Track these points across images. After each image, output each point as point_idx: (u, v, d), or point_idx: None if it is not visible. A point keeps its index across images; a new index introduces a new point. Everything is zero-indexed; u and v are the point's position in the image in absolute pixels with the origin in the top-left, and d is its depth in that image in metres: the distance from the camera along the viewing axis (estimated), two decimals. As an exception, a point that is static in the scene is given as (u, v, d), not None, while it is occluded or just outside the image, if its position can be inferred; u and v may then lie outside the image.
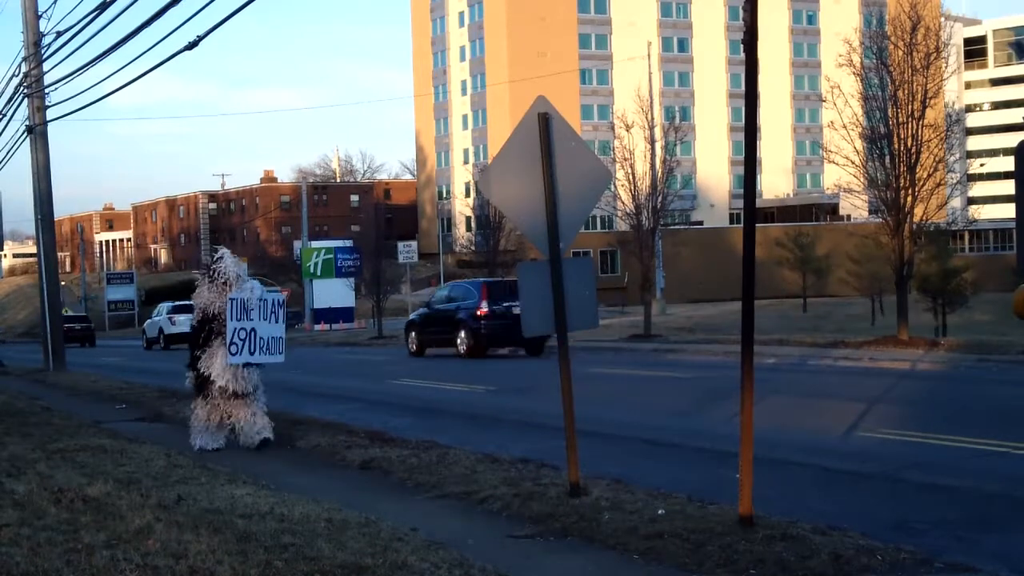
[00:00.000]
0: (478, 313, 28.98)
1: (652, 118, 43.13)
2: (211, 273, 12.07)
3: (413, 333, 32.24)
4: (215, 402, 12.03)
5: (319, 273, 63.92)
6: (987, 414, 14.34)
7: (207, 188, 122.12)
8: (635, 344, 33.12)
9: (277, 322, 12.22)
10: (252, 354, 11.89)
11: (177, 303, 47.58)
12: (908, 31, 27.24)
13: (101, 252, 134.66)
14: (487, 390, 19.65)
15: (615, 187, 36.26)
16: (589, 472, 8.76)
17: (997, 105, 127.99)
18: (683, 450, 11.71)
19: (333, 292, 63.10)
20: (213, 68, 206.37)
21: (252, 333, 11.81)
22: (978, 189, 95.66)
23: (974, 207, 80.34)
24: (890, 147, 27.28)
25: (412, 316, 34.27)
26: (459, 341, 29.36)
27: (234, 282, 11.98)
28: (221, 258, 12.23)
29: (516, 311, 25.50)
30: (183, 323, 40.37)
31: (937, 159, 27.97)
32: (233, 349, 11.69)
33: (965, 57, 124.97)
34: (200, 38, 16.42)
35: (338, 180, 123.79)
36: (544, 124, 8.32)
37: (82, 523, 7.26)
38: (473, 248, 49.58)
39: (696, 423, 13.98)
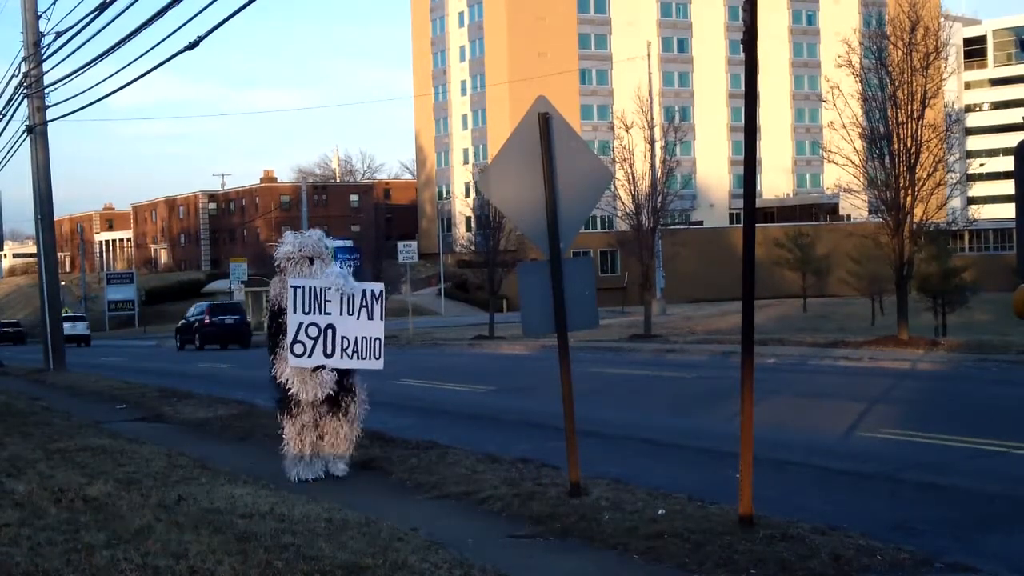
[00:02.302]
0: (204, 322, 45.21)
1: (652, 118, 43.16)
2: (277, 264, 9.90)
3: (177, 335, 48.14)
4: (303, 419, 9.85)
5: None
6: (987, 414, 14.34)
7: (207, 188, 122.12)
8: (635, 344, 33.13)
9: (371, 319, 9.79)
10: (329, 356, 9.58)
11: (214, 303, 50.43)
12: (907, 31, 27.25)
13: (101, 252, 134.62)
14: (488, 390, 19.66)
15: (615, 187, 36.27)
16: (589, 472, 8.76)
17: (997, 105, 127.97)
18: (683, 450, 11.71)
19: (333, 292, 63.03)
20: (213, 68, 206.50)
21: (329, 331, 9.55)
22: (978, 189, 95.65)
23: (974, 207, 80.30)
24: (890, 147, 27.29)
25: (177, 324, 49.48)
26: (196, 339, 45.18)
27: (297, 266, 9.76)
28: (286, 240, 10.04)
29: (227, 322, 44.62)
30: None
31: (937, 159, 27.99)
32: (298, 348, 9.51)
33: (965, 57, 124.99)
34: (200, 38, 16.43)
35: (338, 180, 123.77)
36: (544, 124, 8.32)
37: (82, 523, 7.26)
38: (473, 248, 49.50)
39: (696, 423, 13.98)
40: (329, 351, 9.55)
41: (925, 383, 19.19)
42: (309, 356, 9.50)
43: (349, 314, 9.64)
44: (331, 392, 9.69)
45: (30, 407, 17.09)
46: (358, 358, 9.70)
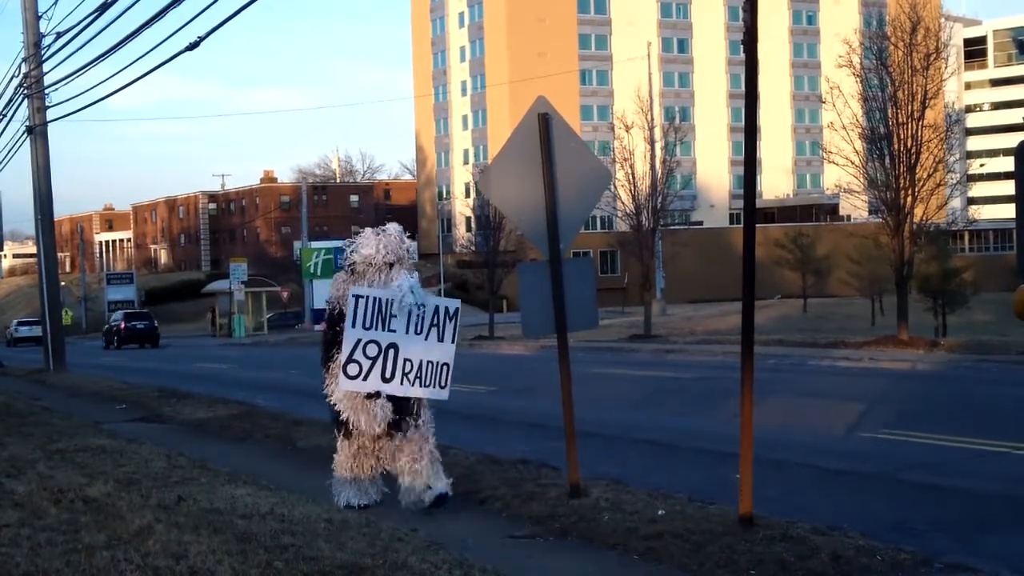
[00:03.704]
0: (121, 327, 56.18)
1: (652, 118, 43.19)
2: (351, 265, 8.34)
3: (104, 337, 59.04)
4: (362, 440, 8.39)
5: (319, 273, 63.92)
6: (987, 414, 14.34)
7: (207, 188, 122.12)
8: (635, 344, 33.13)
9: (441, 340, 8.31)
10: (387, 380, 8.10)
11: (128, 311, 62.99)
12: (908, 32, 27.27)
13: (101, 252, 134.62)
14: (487, 390, 19.65)
15: (615, 187, 36.28)
16: (589, 473, 8.75)
17: (997, 105, 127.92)
18: (683, 451, 11.71)
19: (333, 292, 63.10)
20: (213, 68, 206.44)
21: (391, 351, 8.07)
22: (978, 189, 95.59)
23: (974, 207, 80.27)
24: (890, 147, 27.30)
25: (104, 328, 61.12)
26: (115, 340, 55.66)
27: (377, 272, 8.19)
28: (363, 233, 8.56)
29: (139, 326, 56.04)
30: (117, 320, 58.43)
31: (937, 159, 28.01)
32: (352, 369, 8.03)
33: (965, 57, 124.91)
34: (201, 39, 16.43)
35: (338, 180, 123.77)
36: (544, 124, 8.32)
37: (82, 523, 7.26)
38: (473, 248, 49.58)
39: (696, 424, 13.98)
40: (388, 374, 8.09)
41: (925, 383, 19.19)
42: (364, 379, 8.04)
43: (416, 333, 8.19)
44: (389, 421, 8.21)
45: (30, 407, 17.09)
46: (420, 385, 8.21)
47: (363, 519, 7.53)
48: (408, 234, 8.60)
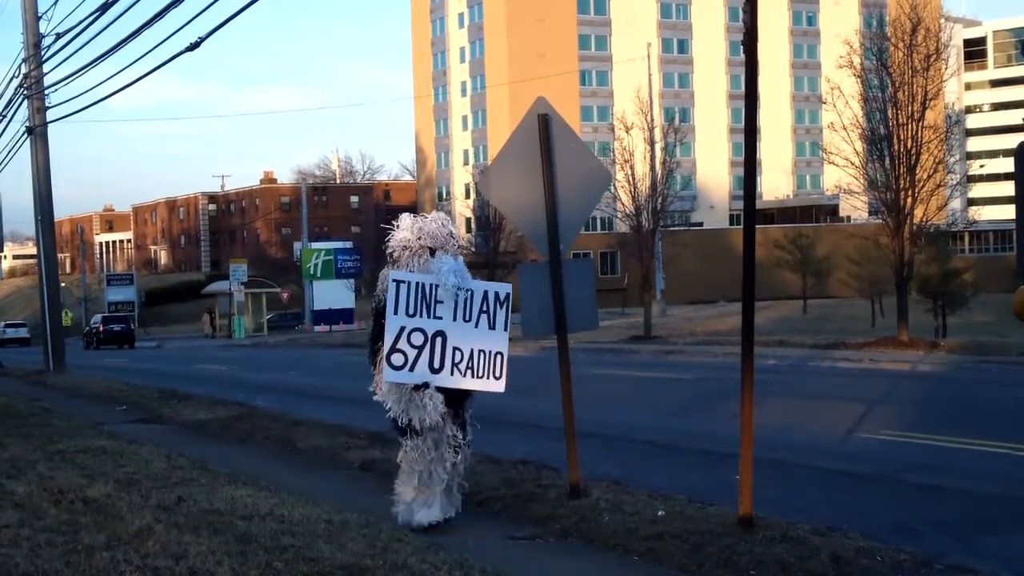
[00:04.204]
0: (99, 329, 61.52)
1: (652, 119, 43.19)
2: (390, 253, 7.83)
3: (84, 338, 64.07)
4: (427, 445, 7.68)
5: (319, 274, 63.99)
6: (987, 415, 14.34)
7: (207, 189, 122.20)
8: (635, 345, 33.13)
9: (492, 327, 7.76)
10: (436, 371, 7.52)
11: (107, 315, 68.83)
12: (908, 32, 27.27)
13: (101, 253, 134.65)
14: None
15: (615, 188, 36.30)
16: (589, 473, 8.75)
17: (997, 106, 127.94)
18: (683, 451, 11.71)
19: (333, 293, 63.21)
20: (213, 69, 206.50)
21: (438, 339, 7.54)
22: (978, 190, 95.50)
23: (974, 208, 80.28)
24: (890, 148, 27.31)
25: (85, 330, 66.65)
26: (95, 341, 60.38)
27: (415, 257, 7.67)
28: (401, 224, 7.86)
29: (116, 328, 61.62)
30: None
31: (937, 160, 28.01)
32: (397, 359, 7.45)
33: (965, 58, 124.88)
34: (201, 39, 16.42)
35: (338, 181, 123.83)
36: (544, 125, 8.32)
37: (82, 524, 7.26)
38: (473, 249, 49.62)
39: (696, 424, 13.98)
40: (437, 365, 7.50)
41: (925, 384, 19.19)
42: (411, 370, 7.46)
43: (465, 320, 7.62)
44: (440, 419, 7.59)
45: (30, 408, 17.09)
46: (473, 376, 7.64)
47: (363, 520, 7.52)
48: (451, 222, 7.99)
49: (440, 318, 7.53)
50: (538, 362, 27.01)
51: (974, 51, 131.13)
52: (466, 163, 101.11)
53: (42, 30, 27.95)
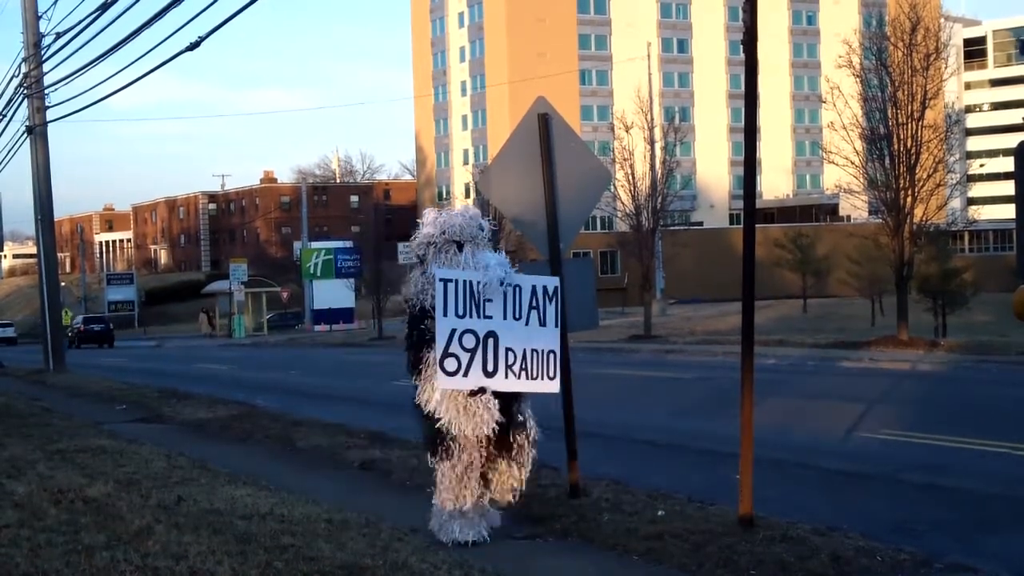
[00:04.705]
0: (81, 329, 63.67)
1: (652, 119, 43.21)
2: (417, 253, 7.36)
3: (67, 338, 63.38)
4: (465, 459, 7.10)
5: (319, 274, 63.98)
6: (987, 415, 14.34)
7: (207, 189, 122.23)
8: (635, 345, 33.13)
9: (543, 324, 7.26)
10: (490, 375, 7.03)
11: (88, 315, 71.75)
12: (908, 32, 27.28)
13: (101, 253, 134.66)
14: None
15: (615, 188, 36.29)
16: (589, 473, 8.75)
17: (997, 106, 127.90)
18: (683, 451, 11.71)
19: (333, 293, 63.21)
20: (213, 68, 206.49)
21: (490, 340, 7.04)
22: (978, 190, 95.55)
23: (974, 208, 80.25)
24: (890, 148, 27.31)
25: (67, 330, 65.40)
26: (76, 341, 60.89)
27: (440, 253, 7.17)
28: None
29: (96, 328, 64.06)
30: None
31: (937, 160, 28.02)
32: (450, 364, 6.93)
33: (965, 58, 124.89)
34: (201, 39, 16.41)
35: (338, 181, 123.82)
36: (544, 125, 8.32)
37: (82, 524, 7.26)
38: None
39: (696, 424, 13.98)
40: (490, 368, 7.02)
41: (925, 384, 19.19)
42: (465, 375, 6.95)
43: (515, 318, 7.14)
44: (496, 426, 7.07)
45: (30, 408, 17.09)
46: (527, 378, 7.16)
47: (363, 519, 7.53)
48: (487, 217, 7.53)
49: (490, 317, 7.07)
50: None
51: (974, 50, 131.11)
52: (466, 163, 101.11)
53: (42, 29, 27.94)
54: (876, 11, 56.53)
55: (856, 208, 34.93)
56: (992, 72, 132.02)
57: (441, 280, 6.93)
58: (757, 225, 7.73)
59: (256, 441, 13.08)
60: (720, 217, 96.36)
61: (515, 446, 7.22)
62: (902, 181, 26.90)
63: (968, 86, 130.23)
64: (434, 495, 7.27)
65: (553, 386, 7.31)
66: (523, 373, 7.14)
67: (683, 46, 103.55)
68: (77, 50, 54.65)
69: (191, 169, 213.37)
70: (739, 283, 7.21)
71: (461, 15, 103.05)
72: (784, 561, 6.34)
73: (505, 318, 7.11)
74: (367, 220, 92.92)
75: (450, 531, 7.15)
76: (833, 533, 6.93)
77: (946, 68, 30.21)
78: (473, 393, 7.00)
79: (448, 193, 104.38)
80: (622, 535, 7.13)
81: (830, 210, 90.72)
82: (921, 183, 27.06)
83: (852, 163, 27.91)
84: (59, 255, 50.21)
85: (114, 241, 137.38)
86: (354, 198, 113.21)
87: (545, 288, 7.30)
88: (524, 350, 7.14)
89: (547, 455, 10.37)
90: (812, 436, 12.42)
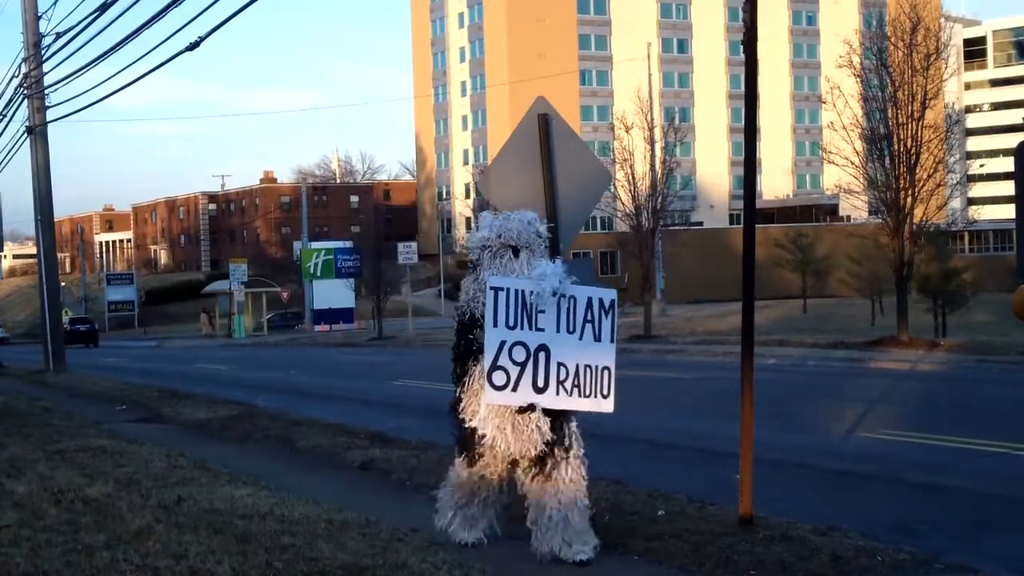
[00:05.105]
0: (67, 329, 55.03)
1: (652, 119, 43.20)
2: (471, 257, 7.04)
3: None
4: (486, 467, 6.91)
5: (319, 274, 63.97)
6: (987, 415, 14.34)
7: (207, 189, 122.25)
8: (635, 345, 33.11)
9: (598, 339, 6.76)
10: (541, 391, 6.61)
11: (73, 316, 70.62)
12: (908, 32, 27.29)
13: (101, 253, 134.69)
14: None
15: (615, 188, 36.30)
16: (589, 473, 8.73)
17: (997, 106, 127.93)
18: (683, 451, 11.71)
19: (333, 293, 63.22)
20: (213, 68, 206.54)
21: (541, 354, 6.63)
22: (978, 190, 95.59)
23: (974, 208, 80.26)
24: (890, 148, 27.32)
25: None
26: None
27: (496, 259, 6.80)
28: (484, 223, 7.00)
29: (81, 329, 64.26)
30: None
31: (937, 160, 28.03)
32: (498, 378, 6.55)
33: (965, 58, 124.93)
34: (201, 39, 16.41)
35: (338, 181, 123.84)
36: (544, 125, 8.32)
37: (82, 524, 7.26)
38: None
39: (696, 424, 13.98)
40: (541, 384, 6.60)
41: (925, 384, 19.19)
42: (514, 390, 6.55)
43: (569, 332, 6.69)
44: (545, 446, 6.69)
45: (30, 408, 17.10)
46: (580, 395, 6.70)
47: (363, 519, 7.53)
48: (544, 222, 7.12)
49: (542, 330, 6.62)
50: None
51: (974, 51, 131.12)
52: (466, 163, 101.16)
53: (42, 29, 27.96)
54: (876, 11, 56.49)
55: (856, 208, 34.95)
56: (992, 72, 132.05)
57: (492, 288, 6.56)
58: (757, 225, 7.74)
59: (256, 441, 13.09)
60: (720, 217, 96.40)
61: (550, 462, 6.76)
62: (902, 181, 26.91)
63: (968, 86, 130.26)
64: (444, 483, 7.12)
65: (607, 405, 6.80)
66: (575, 390, 6.68)
67: (683, 46, 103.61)
68: (77, 50, 54.72)
69: (191, 169, 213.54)
70: (739, 283, 7.21)
71: (461, 15, 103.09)
72: (784, 561, 6.34)
73: (558, 331, 6.68)
74: (367, 220, 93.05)
75: (450, 523, 7.06)
76: (833, 533, 6.93)
77: (946, 68, 30.23)
78: (522, 410, 6.59)
79: (448, 193, 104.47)
80: (622, 535, 7.13)
81: (830, 210, 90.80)
82: (921, 183, 27.07)
83: (852, 163, 27.92)
84: (59, 255, 50.43)
85: (114, 241, 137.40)
86: (354, 198, 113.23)
87: (601, 301, 6.81)
88: (577, 365, 6.69)
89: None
90: (812, 436, 12.43)
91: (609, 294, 6.89)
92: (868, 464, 10.31)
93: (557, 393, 6.63)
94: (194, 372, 30.27)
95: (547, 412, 6.64)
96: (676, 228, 49.58)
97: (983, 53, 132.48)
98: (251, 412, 15.60)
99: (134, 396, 19.45)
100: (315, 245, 67.69)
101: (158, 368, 33.10)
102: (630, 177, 36.53)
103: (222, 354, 42.79)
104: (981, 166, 66.83)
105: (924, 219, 28.12)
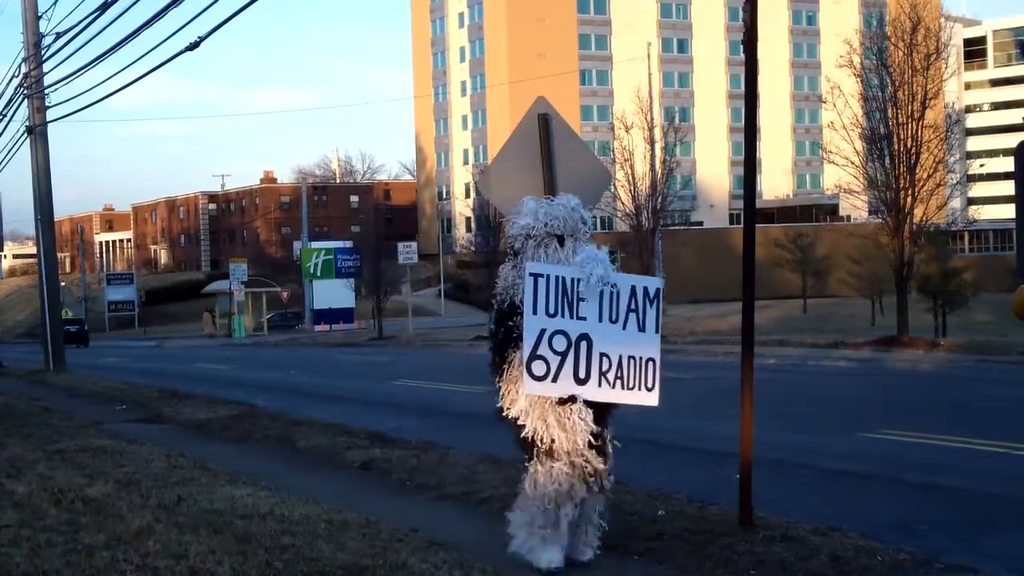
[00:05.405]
0: None
1: (652, 119, 43.22)
2: (511, 244, 6.65)
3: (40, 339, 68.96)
4: (564, 471, 6.40)
5: (319, 274, 63.97)
6: (987, 415, 14.34)
7: (207, 188, 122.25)
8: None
9: (642, 329, 6.44)
10: (582, 382, 6.27)
11: (64, 318, 77.99)
12: (908, 32, 27.32)
13: (101, 253, 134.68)
14: (487, 391, 19.59)
15: (615, 188, 36.33)
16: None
17: (997, 106, 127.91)
18: (683, 451, 11.71)
19: (333, 293, 63.23)
20: (213, 68, 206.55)
21: (583, 344, 6.29)
22: (978, 190, 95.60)
23: (974, 208, 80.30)
24: (890, 148, 27.35)
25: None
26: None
27: (540, 248, 6.44)
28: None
29: (72, 329, 54.27)
30: None
31: (937, 160, 28.06)
32: (538, 367, 6.21)
33: (965, 58, 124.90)
34: (201, 39, 16.41)
35: (338, 181, 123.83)
36: (544, 124, 8.31)
37: (82, 524, 7.26)
38: (473, 248, 49.83)
39: (696, 424, 13.97)
40: (582, 375, 6.27)
41: (925, 384, 19.19)
42: (554, 380, 6.22)
43: (612, 321, 6.35)
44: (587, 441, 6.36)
45: (30, 408, 17.09)
46: (623, 387, 6.39)
47: (363, 519, 7.52)
48: (588, 208, 6.83)
49: (584, 318, 6.29)
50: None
51: (974, 50, 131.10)
52: (466, 163, 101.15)
53: (42, 29, 27.94)
54: (876, 11, 56.52)
55: (856, 208, 34.98)
56: (992, 72, 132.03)
57: (531, 275, 6.22)
58: (757, 225, 7.73)
59: (256, 441, 13.09)
60: (720, 217, 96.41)
61: (590, 468, 6.44)
62: (902, 181, 26.93)
63: (968, 86, 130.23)
64: (516, 508, 6.56)
65: (651, 398, 6.56)
66: (618, 382, 6.36)
67: (683, 46, 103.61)
68: (77, 50, 54.69)
69: (191, 169, 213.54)
70: (739, 283, 7.21)
71: (461, 15, 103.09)
72: (784, 561, 6.34)
73: (600, 320, 6.33)
74: (367, 220, 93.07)
75: (542, 550, 6.48)
76: (833, 533, 6.93)
77: (946, 68, 30.26)
78: (563, 401, 6.28)
79: (448, 193, 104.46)
80: (622, 535, 7.13)
81: (830, 210, 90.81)
82: (921, 183, 27.10)
83: (852, 163, 27.94)
84: (59, 255, 50.45)
85: (114, 241, 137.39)
86: (354, 198, 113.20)
87: (646, 289, 6.48)
88: (620, 356, 6.36)
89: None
90: (812, 436, 12.42)
91: (654, 282, 6.61)
92: (868, 464, 10.31)
93: (599, 385, 6.31)
94: (194, 372, 30.26)
95: (590, 405, 6.32)
96: (676, 228, 49.60)
97: (983, 53, 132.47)
98: (251, 412, 15.60)
99: (134, 396, 19.44)
100: (315, 245, 67.70)
101: (158, 368, 33.09)
102: (630, 177, 36.56)
103: (222, 354, 42.78)
104: (981, 166, 66.86)
105: (924, 219, 28.15)
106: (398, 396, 19.67)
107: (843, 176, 30.58)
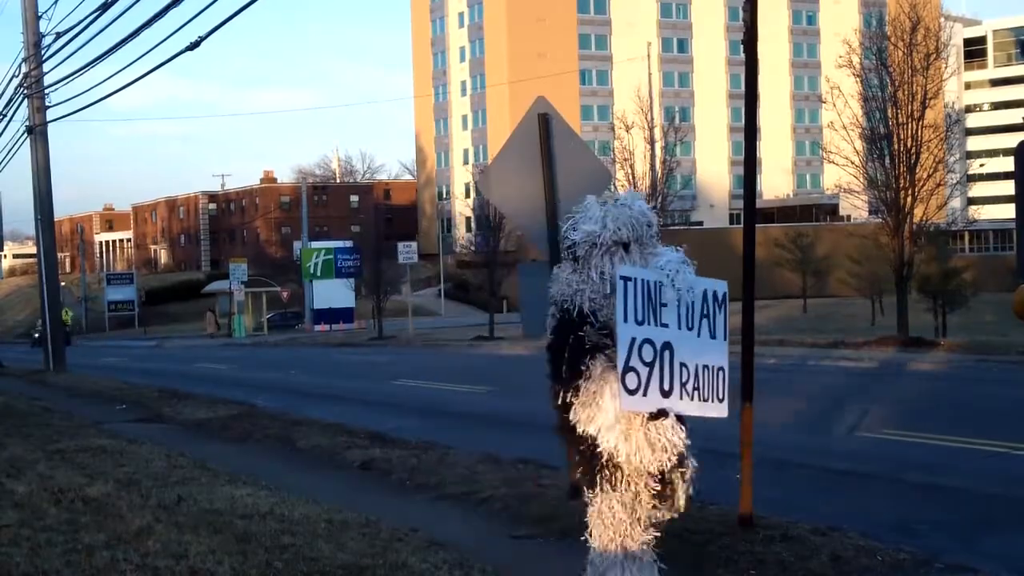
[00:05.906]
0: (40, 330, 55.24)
1: (652, 119, 43.24)
2: (570, 248, 5.84)
3: (30, 339, 62.41)
4: (630, 494, 5.72)
5: (319, 274, 63.96)
6: (987, 414, 14.33)
7: (207, 188, 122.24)
8: (635, 345, 33.08)
9: (713, 336, 5.83)
10: (667, 395, 5.57)
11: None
12: (908, 32, 27.34)
13: (101, 252, 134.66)
14: (487, 390, 19.65)
15: (615, 188, 36.29)
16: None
17: (997, 105, 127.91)
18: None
19: (333, 293, 63.22)
20: (213, 68, 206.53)
21: (666, 353, 5.60)
22: (978, 189, 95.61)
23: (974, 207, 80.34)
24: (890, 148, 27.37)
25: (32, 331, 65.33)
26: (38, 341, 57.65)
27: (604, 256, 5.72)
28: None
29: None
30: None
31: (937, 159, 28.09)
32: (631, 381, 5.36)
33: (965, 58, 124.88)
34: (201, 39, 16.41)
35: (338, 180, 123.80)
36: (544, 124, 8.32)
37: (82, 524, 7.26)
38: (473, 248, 49.86)
39: (696, 423, 13.95)
40: (667, 386, 5.58)
41: (925, 383, 19.18)
42: (644, 394, 5.47)
43: (688, 328, 5.75)
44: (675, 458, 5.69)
45: (30, 408, 17.09)
46: (699, 399, 5.81)
47: (363, 519, 7.52)
48: (652, 206, 6.27)
49: (666, 326, 5.64)
50: (538, 362, 26.96)
51: (974, 50, 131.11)
52: (466, 163, 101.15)
53: (42, 29, 27.95)
54: (876, 11, 56.50)
55: (856, 208, 35.01)
56: (992, 72, 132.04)
57: (622, 279, 5.48)
58: (757, 225, 7.73)
59: (256, 441, 13.09)
60: (720, 217, 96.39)
61: (670, 485, 5.90)
62: (902, 181, 26.95)
63: (968, 86, 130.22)
64: (591, 539, 5.80)
65: (722, 410, 5.94)
66: (695, 393, 5.77)
67: (683, 46, 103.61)
68: (77, 50, 54.67)
69: (191, 169, 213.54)
70: (739, 283, 7.20)
71: (461, 15, 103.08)
72: (784, 561, 6.34)
73: (680, 327, 5.70)
74: (367, 220, 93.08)
75: None
76: (833, 533, 6.93)
77: (946, 68, 30.28)
78: (653, 416, 5.55)
79: (448, 193, 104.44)
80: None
81: (830, 210, 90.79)
82: (921, 183, 27.11)
83: (852, 163, 27.96)
84: (59, 255, 50.40)
85: (114, 241, 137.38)
86: (354, 198, 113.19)
87: (715, 293, 5.96)
88: (696, 366, 5.76)
89: (547, 454, 10.37)
90: (812, 436, 12.42)
91: (722, 286, 6.10)
92: (868, 464, 10.31)
93: (680, 397, 5.69)
94: (194, 372, 30.26)
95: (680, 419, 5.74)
96: (676, 228, 49.60)
97: (983, 53, 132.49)
98: (251, 412, 15.60)
99: (134, 396, 19.44)
100: (315, 245, 67.68)
101: (158, 368, 33.09)
102: (630, 177, 36.58)
103: (222, 354, 42.77)
104: (981, 166, 66.88)
105: (924, 219, 28.17)
106: (398, 396, 19.67)
107: (843, 176, 30.59)
